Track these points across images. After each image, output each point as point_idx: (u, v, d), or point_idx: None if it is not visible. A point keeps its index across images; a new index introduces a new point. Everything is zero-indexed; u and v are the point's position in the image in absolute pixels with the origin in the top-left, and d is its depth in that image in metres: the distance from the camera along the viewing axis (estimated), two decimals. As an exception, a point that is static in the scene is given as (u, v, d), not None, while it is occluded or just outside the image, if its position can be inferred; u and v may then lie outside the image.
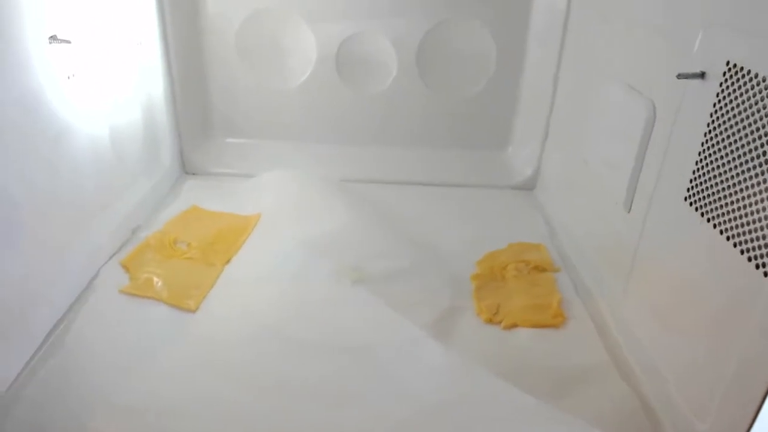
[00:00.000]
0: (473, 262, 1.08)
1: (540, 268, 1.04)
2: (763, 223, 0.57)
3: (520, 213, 1.30)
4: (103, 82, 1.00)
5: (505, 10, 1.36)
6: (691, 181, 0.71)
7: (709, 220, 0.66)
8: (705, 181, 0.68)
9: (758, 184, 0.59)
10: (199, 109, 1.43)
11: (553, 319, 0.90)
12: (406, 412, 0.74)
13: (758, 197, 0.58)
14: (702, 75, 0.70)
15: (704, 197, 0.68)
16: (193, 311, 0.90)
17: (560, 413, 0.74)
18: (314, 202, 1.24)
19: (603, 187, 0.97)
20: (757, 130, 0.59)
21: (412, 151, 1.48)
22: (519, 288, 0.99)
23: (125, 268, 0.99)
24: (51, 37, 0.83)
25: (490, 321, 0.91)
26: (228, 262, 1.04)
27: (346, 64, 1.40)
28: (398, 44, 1.38)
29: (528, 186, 1.41)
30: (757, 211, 0.58)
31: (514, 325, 0.90)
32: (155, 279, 0.95)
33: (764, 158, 0.58)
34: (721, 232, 0.64)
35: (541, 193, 1.38)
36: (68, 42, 0.86)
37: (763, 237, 0.57)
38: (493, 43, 1.39)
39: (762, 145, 0.58)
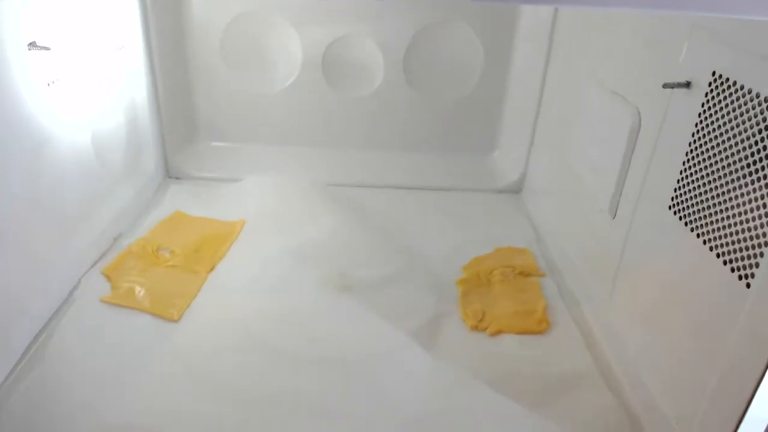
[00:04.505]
0: (459, 266, 1.08)
1: (525, 273, 1.04)
2: (745, 234, 0.57)
3: (507, 217, 1.30)
4: (85, 88, 0.98)
5: (492, 13, 1.35)
6: (675, 189, 0.71)
7: (692, 230, 0.66)
8: (689, 190, 0.68)
9: (741, 195, 0.59)
10: (183, 113, 1.41)
11: (538, 326, 0.90)
12: (392, 423, 0.74)
13: (740, 209, 0.59)
14: (687, 84, 0.70)
15: (688, 206, 0.68)
16: (176, 321, 0.89)
17: (545, 422, 0.74)
18: (299, 208, 1.23)
19: (588, 192, 0.97)
20: (742, 141, 0.59)
21: (399, 154, 1.48)
22: (505, 293, 0.98)
23: (107, 277, 0.97)
24: (30, 43, 0.82)
25: (475, 327, 0.91)
26: (212, 269, 1.02)
27: (332, 67, 1.39)
28: (385, 47, 1.37)
29: (514, 189, 1.41)
30: (739, 223, 0.58)
31: (500, 332, 0.90)
32: (137, 288, 0.93)
33: (747, 170, 0.58)
34: (705, 242, 0.64)
35: (527, 196, 1.38)
36: (47, 49, 0.85)
37: (745, 248, 0.57)
38: (481, 47, 1.38)
39: (746, 157, 0.59)
